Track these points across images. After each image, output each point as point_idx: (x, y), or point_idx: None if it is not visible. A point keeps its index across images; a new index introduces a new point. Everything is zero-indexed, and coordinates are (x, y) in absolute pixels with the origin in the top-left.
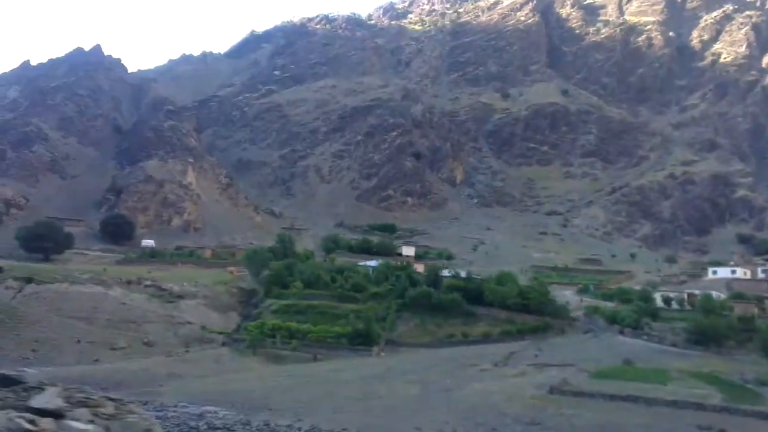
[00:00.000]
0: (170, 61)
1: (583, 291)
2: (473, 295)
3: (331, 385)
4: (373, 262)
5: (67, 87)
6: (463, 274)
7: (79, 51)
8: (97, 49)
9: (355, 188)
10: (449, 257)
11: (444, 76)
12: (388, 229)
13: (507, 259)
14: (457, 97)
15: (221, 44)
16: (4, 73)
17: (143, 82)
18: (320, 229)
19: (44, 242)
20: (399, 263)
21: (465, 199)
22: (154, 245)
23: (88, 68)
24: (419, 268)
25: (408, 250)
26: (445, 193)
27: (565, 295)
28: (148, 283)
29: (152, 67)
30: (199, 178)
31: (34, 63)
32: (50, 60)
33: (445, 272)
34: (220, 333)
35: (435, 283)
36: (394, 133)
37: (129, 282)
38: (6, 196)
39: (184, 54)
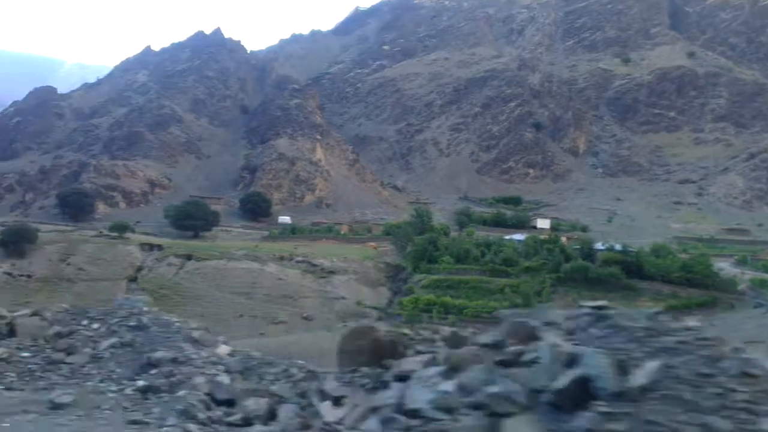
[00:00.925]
0: (281, 40)
1: (741, 262)
2: (631, 269)
3: None
4: (518, 236)
5: (195, 70)
6: (617, 246)
7: (200, 34)
8: (218, 32)
9: (474, 161)
10: (583, 229)
11: (559, 43)
12: (514, 201)
13: (644, 230)
14: (575, 64)
15: (328, 22)
16: (128, 58)
17: (265, 62)
18: (444, 203)
19: (194, 220)
20: (547, 236)
21: (589, 169)
22: (290, 221)
23: (212, 51)
24: (563, 240)
25: (543, 223)
26: (568, 163)
27: (722, 267)
28: (300, 258)
29: (265, 47)
30: (327, 155)
31: (155, 48)
32: (172, 44)
33: (599, 245)
34: (375, 308)
35: (589, 257)
36: (513, 104)
37: (282, 258)
38: (150, 177)
39: (293, 33)
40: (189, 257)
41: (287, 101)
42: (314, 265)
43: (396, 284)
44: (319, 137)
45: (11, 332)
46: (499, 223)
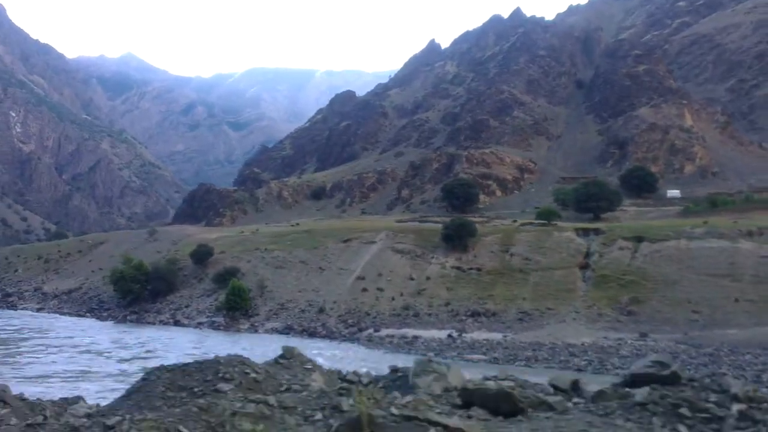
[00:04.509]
0: (558, 14)
1: None
2: None
3: None
4: None
5: (519, 50)
6: None
7: (497, 17)
8: (518, 12)
9: None
10: None
11: None
12: None
13: None
14: None
15: None
16: (414, 55)
17: (588, 33)
18: None
19: (596, 201)
20: None
21: None
22: (679, 195)
23: (519, 30)
24: None
25: None
26: None
27: None
28: None
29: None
30: (695, 120)
31: (440, 42)
32: (465, 33)
33: None
34: None
35: None
36: None
37: (750, 233)
38: (517, 162)
39: (570, 5)
40: (640, 239)
41: (632, 68)
42: None
43: None
44: (684, 102)
45: None
46: None
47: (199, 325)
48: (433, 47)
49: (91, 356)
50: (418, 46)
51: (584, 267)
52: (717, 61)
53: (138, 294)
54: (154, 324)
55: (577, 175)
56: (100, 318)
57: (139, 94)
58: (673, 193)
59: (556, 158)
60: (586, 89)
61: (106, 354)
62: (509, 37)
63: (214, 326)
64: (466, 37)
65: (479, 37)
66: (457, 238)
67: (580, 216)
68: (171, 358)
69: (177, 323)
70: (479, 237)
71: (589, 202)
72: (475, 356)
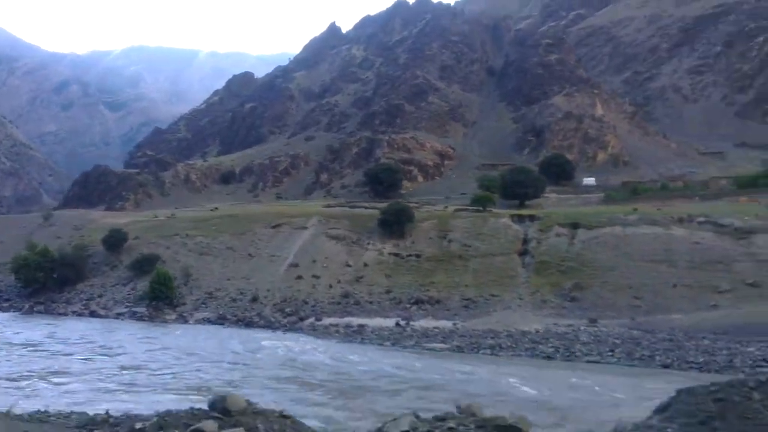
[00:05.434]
0: (457, 2)
1: None
2: None
3: None
4: None
5: (430, 36)
6: None
7: (402, 2)
8: None
9: (729, 104)
10: None
11: None
12: None
13: None
14: None
15: None
16: (314, 38)
17: (497, 21)
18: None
19: (524, 188)
20: None
21: None
22: (594, 183)
23: (425, 16)
24: None
25: None
26: None
27: None
28: (702, 219)
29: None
30: (606, 110)
31: (340, 26)
32: (365, 18)
33: None
34: None
35: None
36: (760, 39)
37: (681, 220)
38: (437, 148)
39: None
40: (576, 226)
41: (543, 57)
42: (722, 225)
43: None
44: (596, 91)
45: None
46: None
47: (118, 315)
48: (334, 30)
49: (47, 354)
50: (306, 30)
51: (523, 253)
52: (613, 54)
53: (43, 283)
54: (66, 315)
55: (495, 161)
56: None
57: (8, 71)
58: (589, 180)
59: (473, 145)
60: (498, 77)
61: (60, 352)
62: (416, 22)
63: (137, 317)
64: (369, 21)
65: (385, 21)
66: (396, 223)
67: (505, 202)
68: (138, 353)
69: (93, 314)
70: (416, 223)
71: (516, 188)
72: (437, 345)
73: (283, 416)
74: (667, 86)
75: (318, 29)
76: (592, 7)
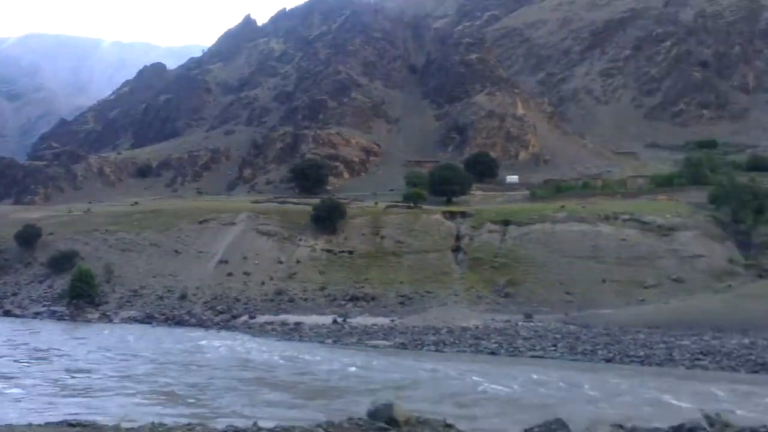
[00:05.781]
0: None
1: None
2: None
3: None
4: None
5: (351, 31)
6: None
7: None
8: None
9: (638, 106)
10: None
11: None
12: (708, 145)
13: None
14: None
15: None
16: (229, 30)
17: (417, 19)
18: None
19: (451, 185)
20: None
21: (765, 106)
22: (518, 181)
23: (344, 11)
24: None
25: None
26: (743, 101)
27: None
28: (626, 217)
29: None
30: (526, 109)
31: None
32: (281, 12)
33: None
34: (749, 264)
35: None
36: (667, 43)
37: (607, 218)
38: (362, 144)
39: None
40: (507, 222)
41: (464, 56)
42: (645, 223)
43: (737, 237)
44: (517, 91)
45: None
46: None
47: (36, 315)
48: (249, 23)
49: None
50: (216, 22)
51: (456, 250)
52: (527, 55)
53: None
54: None
55: (420, 158)
56: None
57: None
58: (512, 178)
59: (398, 142)
60: (420, 74)
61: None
62: (336, 17)
63: (56, 316)
64: (285, 14)
65: (304, 15)
66: (328, 219)
67: (433, 199)
68: (78, 355)
69: (7, 313)
70: (348, 219)
71: (444, 185)
72: (380, 342)
73: (447, 425)
74: (579, 88)
75: (228, 22)
76: (506, 8)
